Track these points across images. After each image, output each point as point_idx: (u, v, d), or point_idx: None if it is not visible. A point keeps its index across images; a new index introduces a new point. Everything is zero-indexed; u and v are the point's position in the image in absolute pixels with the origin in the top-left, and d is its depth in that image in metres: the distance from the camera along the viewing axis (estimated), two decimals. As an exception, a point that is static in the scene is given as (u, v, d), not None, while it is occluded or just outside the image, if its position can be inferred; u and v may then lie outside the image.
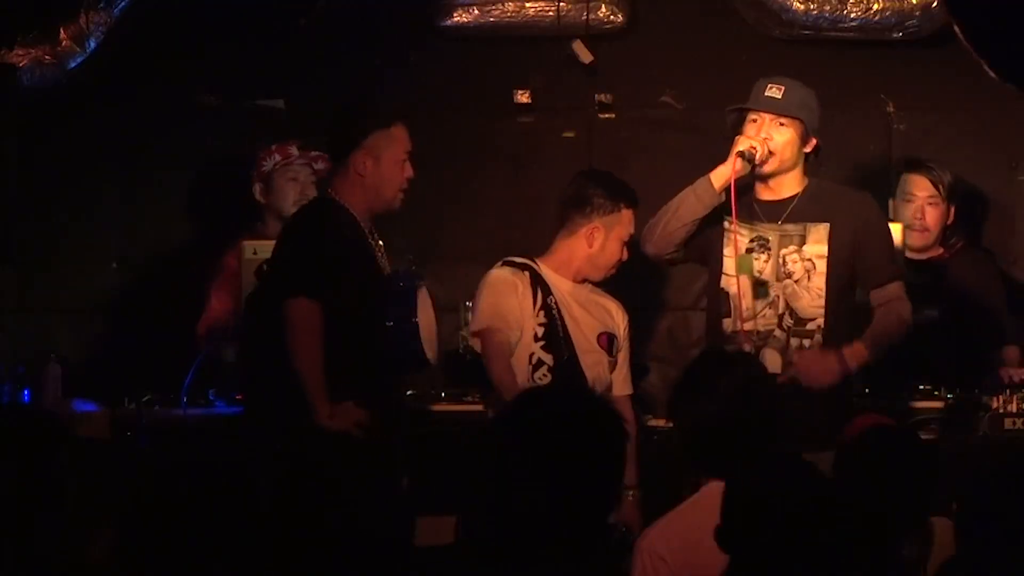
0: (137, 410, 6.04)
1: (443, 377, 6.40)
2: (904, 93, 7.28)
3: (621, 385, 5.96)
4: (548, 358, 5.81)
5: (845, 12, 6.91)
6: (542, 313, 5.85)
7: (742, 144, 5.66)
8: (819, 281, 5.67)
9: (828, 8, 6.91)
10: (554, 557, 3.02)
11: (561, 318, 5.85)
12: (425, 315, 5.53)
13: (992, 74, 6.44)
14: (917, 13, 6.90)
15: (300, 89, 7.20)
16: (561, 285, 5.92)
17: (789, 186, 5.73)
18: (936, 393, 6.19)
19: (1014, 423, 5.94)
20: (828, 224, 5.67)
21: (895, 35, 6.98)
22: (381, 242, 5.68)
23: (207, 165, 7.22)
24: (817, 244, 5.67)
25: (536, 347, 5.82)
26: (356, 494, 4.64)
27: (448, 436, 6.10)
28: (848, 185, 6.14)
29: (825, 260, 5.66)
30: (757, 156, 5.64)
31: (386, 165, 5.47)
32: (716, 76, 7.10)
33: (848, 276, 5.70)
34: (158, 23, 6.84)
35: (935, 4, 6.82)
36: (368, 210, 5.51)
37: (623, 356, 5.99)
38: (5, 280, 7.18)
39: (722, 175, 5.67)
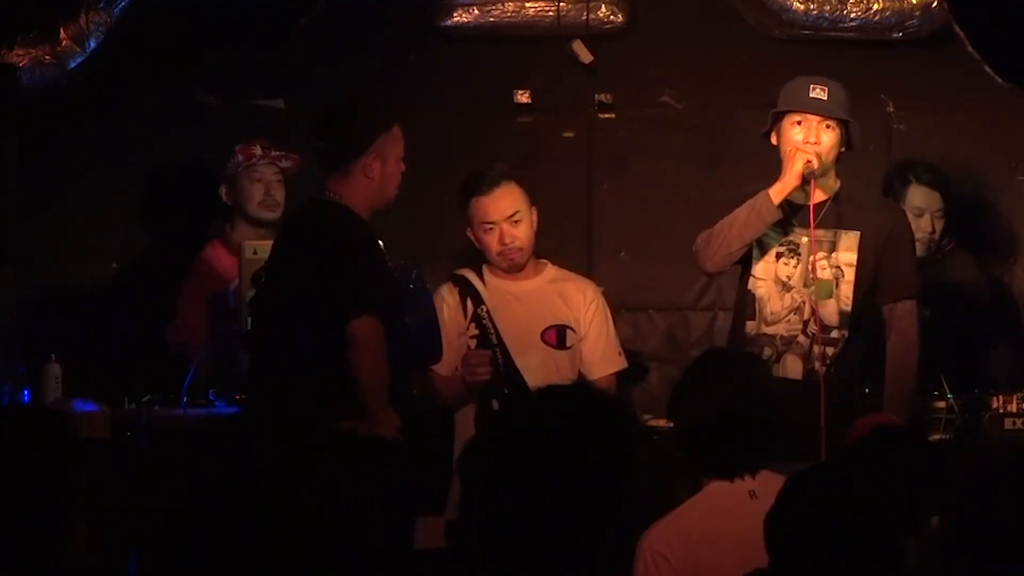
0: (137, 410, 6.04)
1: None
2: (904, 93, 7.27)
3: (596, 367, 5.94)
4: None
5: (845, 12, 6.90)
6: (472, 325, 5.92)
7: (800, 160, 5.56)
8: (847, 289, 5.64)
9: (828, 8, 6.90)
10: (554, 559, 3.01)
11: (494, 325, 5.89)
12: None
13: (992, 74, 6.44)
14: (917, 13, 6.89)
15: (300, 89, 7.20)
16: (501, 286, 5.96)
17: (822, 190, 5.66)
18: (936, 393, 6.18)
19: (1014, 423, 5.93)
20: (859, 232, 5.64)
21: (895, 35, 6.97)
22: (380, 241, 5.67)
23: (206, 165, 7.21)
24: (847, 252, 5.63)
25: None
26: (361, 496, 4.65)
27: (448, 436, 6.10)
28: (846, 186, 6.12)
29: (854, 269, 5.63)
30: (817, 170, 5.57)
31: (391, 166, 5.48)
32: (716, 76, 7.10)
33: (872, 285, 5.68)
34: (158, 23, 6.84)
35: (935, 4, 6.82)
36: (371, 210, 5.51)
37: (594, 337, 5.96)
38: (5, 280, 7.17)
39: (781, 192, 5.56)
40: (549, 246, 6.24)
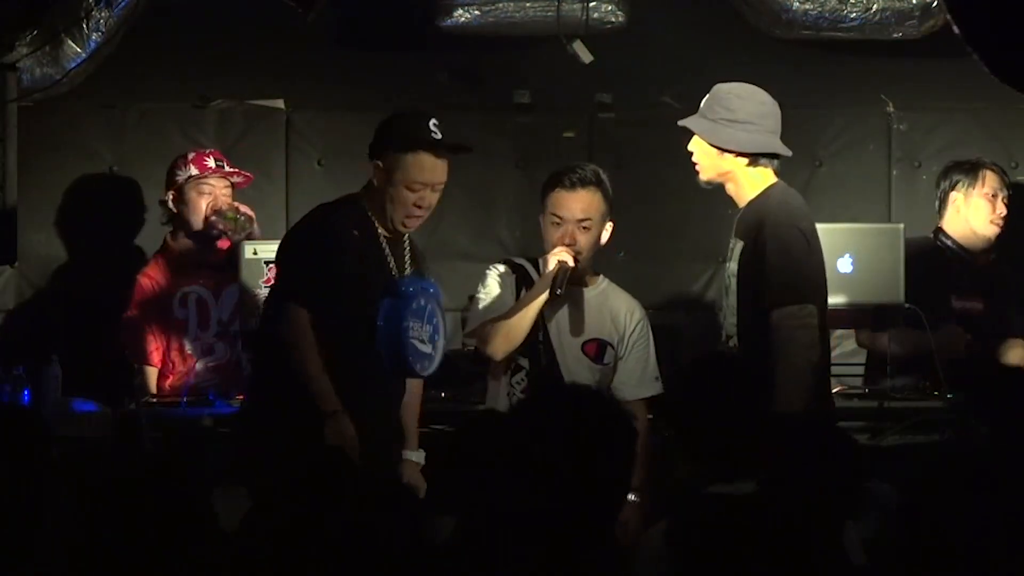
0: (137, 410, 6.04)
1: (443, 377, 6.39)
2: (904, 93, 7.28)
3: (630, 389, 5.81)
4: (525, 362, 5.82)
5: (845, 12, 6.90)
6: None
7: None
8: (733, 299, 5.52)
9: (828, 8, 6.90)
10: (550, 560, 3.02)
11: (543, 320, 5.84)
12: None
13: (991, 74, 6.44)
14: (917, 13, 6.89)
15: (300, 89, 7.20)
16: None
17: (740, 198, 5.59)
18: (936, 393, 6.19)
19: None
20: (742, 242, 5.52)
21: (895, 35, 6.97)
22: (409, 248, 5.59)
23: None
24: (734, 261, 5.54)
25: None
26: (357, 495, 4.62)
27: (448, 436, 6.09)
28: (846, 186, 6.13)
29: (736, 278, 5.51)
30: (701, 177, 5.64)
31: (395, 186, 5.32)
32: (716, 76, 7.10)
33: (760, 295, 5.44)
34: (158, 23, 6.85)
35: (935, 4, 6.82)
36: (386, 220, 5.38)
37: (634, 360, 5.86)
38: (5, 280, 7.18)
39: None
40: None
